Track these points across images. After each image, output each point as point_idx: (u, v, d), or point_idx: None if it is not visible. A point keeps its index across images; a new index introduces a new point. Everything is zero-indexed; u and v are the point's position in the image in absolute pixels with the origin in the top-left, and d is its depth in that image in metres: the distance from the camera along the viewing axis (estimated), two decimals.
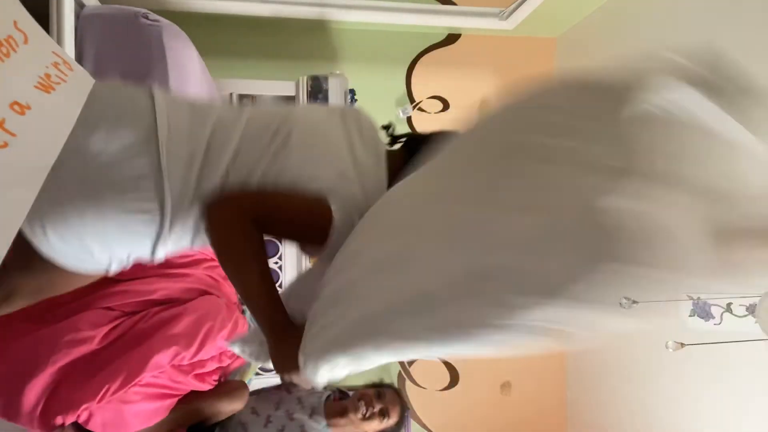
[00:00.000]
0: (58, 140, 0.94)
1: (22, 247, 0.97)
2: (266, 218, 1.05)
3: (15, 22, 0.93)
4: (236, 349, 1.22)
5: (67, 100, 1.00)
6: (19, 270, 1.08)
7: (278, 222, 1.07)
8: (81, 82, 1.06)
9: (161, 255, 1.15)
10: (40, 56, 0.98)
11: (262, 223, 1.04)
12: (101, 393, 1.56)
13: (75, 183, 0.99)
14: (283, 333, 1.04)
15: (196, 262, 1.83)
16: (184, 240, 1.13)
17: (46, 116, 0.93)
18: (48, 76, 0.97)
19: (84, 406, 1.56)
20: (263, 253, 1.05)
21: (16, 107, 0.86)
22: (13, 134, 0.83)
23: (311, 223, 1.08)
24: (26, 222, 0.92)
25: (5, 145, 0.81)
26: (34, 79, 0.93)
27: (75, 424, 1.62)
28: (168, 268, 1.76)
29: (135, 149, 1.01)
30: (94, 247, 1.06)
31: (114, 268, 1.16)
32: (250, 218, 1.02)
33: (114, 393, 1.57)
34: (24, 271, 1.09)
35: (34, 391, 1.54)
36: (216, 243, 1.05)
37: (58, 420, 1.56)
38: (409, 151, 1.25)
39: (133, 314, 1.71)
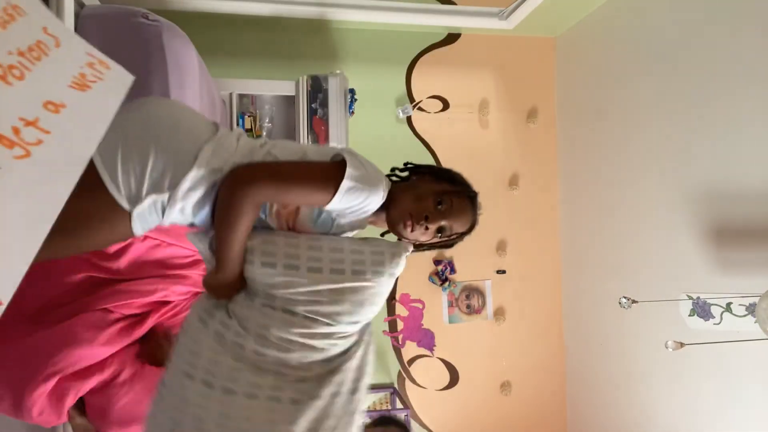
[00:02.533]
0: (95, 135, 1.01)
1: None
2: (280, 173, 1.28)
3: (44, 29, 0.99)
4: (193, 238, 1.37)
5: (105, 97, 1.06)
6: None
7: (290, 175, 1.29)
8: (119, 78, 1.12)
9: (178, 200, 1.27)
10: (73, 57, 1.05)
11: (275, 187, 1.27)
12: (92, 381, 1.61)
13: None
14: (230, 275, 1.30)
15: (194, 264, 1.82)
16: (192, 197, 1.28)
17: (82, 113, 0.98)
18: (83, 75, 1.03)
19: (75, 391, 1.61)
20: (251, 223, 1.28)
21: (50, 106, 0.91)
22: (47, 132, 0.88)
23: (322, 173, 1.29)
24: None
25: (39, 142, 0.86)
26: (68, 79, 0.99)
27: (77, 409, 1.65)
28: (166, 268, 1.77)
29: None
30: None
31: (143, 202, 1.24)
32: (263, 180, 1.26)
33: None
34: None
35: (37, 392, 1.56)
36: (225, 196, 1.26)
37: (63, 404, 1.59)
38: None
39: (132, 317, 1.71)
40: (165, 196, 1.24)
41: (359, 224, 1.43)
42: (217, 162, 1.27)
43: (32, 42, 0.94)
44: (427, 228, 1.35)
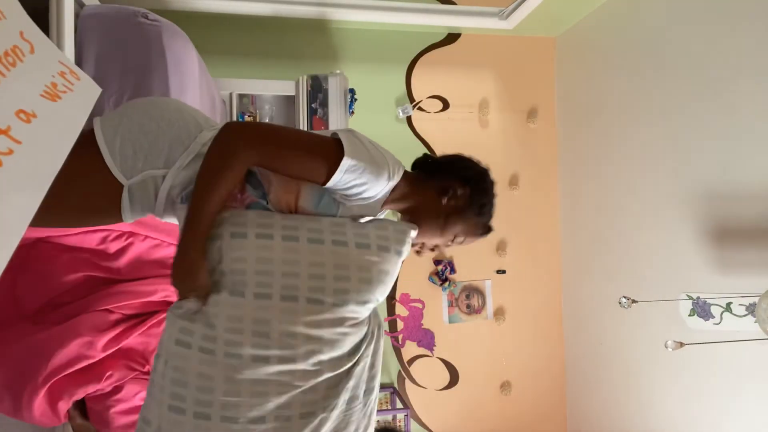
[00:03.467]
0: (63, 147, 0.96)
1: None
2: (275, 133, 1.22)
3: (21, 33, 0.95)
4: (180, 215, 1.28)
5: (74, 109, 1.02)
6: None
7: (286, 138, 1.22)
8: (87, 90, 1.08)
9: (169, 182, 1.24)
10: (46, 66, 1.00)
11: (270, 144, 1.19)
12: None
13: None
14: (195, 250, 1.17)
15: None
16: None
17: (52, 124, 0.94)
18: (54, 85, 0.99)
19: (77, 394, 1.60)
20: (234, 185, 1.19)
21: (21, 115, 0.87)
22: (18, 142, 0.84)
23: (322, 144, 1.22)
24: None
25: (10, 152, 0.83)
26: (41, 88, 0.96)
27: (78, 410, 1.65)
28: (167, 268, 1.76)
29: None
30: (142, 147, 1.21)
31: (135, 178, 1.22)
32: (258, 144, 1.17)
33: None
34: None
35: (37, 393, 1.56)
36: (213, 149, 1.17)
37: (61, 406, 1.59)
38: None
39: (133, 317, 1.71)
40: (159, 174, 1.22)
41: (369, 211, 1.33)
42: None
43: (8, 47, 0.90)
44: (432, 250, 1.43)
